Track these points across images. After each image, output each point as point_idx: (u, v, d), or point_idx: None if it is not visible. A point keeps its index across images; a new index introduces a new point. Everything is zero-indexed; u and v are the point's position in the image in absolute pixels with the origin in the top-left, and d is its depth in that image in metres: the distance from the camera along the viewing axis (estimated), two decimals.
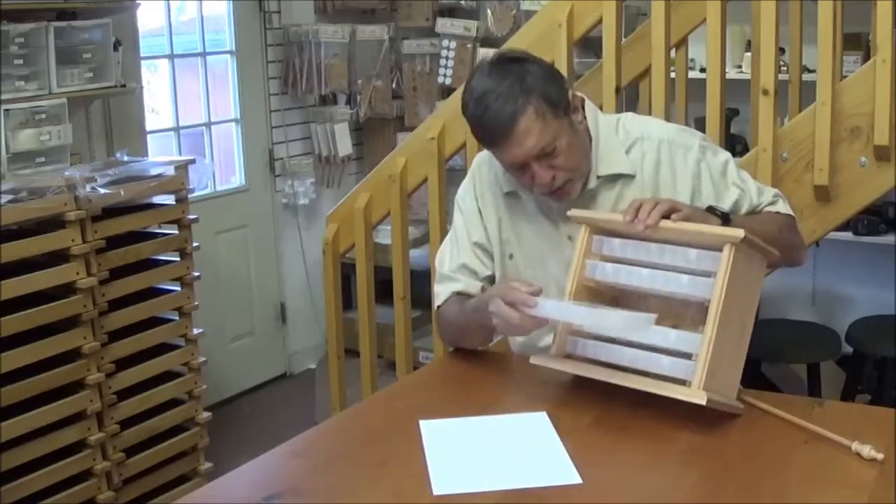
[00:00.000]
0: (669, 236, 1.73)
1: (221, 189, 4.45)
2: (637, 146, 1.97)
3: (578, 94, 1.97)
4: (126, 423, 3.17)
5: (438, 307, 2.08)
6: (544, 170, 1.85)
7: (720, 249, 1.66)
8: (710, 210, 1.85)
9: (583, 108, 1.95)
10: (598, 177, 1.95)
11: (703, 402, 1.60)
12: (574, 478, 1.54)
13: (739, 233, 1.63)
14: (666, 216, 1.72)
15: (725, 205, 1.94)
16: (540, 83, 1.82)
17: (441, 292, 2.07)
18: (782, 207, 2.02)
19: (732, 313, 1.66)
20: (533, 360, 1.82)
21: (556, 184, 1.87)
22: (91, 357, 3.01)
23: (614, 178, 1.96)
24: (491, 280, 2.06)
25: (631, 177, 1.96)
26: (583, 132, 1.93)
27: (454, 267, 2.06)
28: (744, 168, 2.12)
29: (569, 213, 1.88)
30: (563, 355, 1.81)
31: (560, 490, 1.51)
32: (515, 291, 1.74)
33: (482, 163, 2.08)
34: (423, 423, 1.72)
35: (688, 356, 1.67)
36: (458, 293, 2.04)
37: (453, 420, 1.74)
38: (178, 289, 3.36)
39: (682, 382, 1.66)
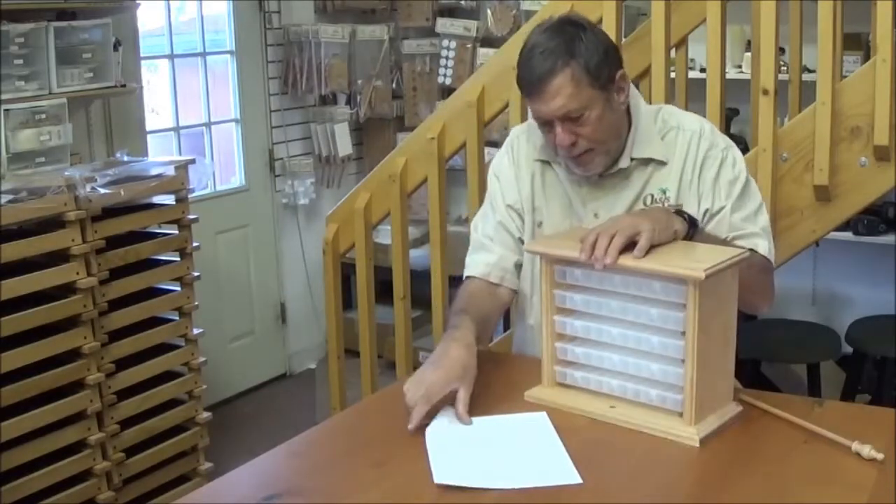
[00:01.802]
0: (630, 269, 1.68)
1: (221, 189, 4.45)
2: (671, 134, 1.98)
3: (629, 79, 1.97)
4: (126, 423, 3.17)
5: (466, 278, 2.09)
6: (566, 133, 1.86)
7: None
8: (679, 213, 1.82)
9: (627, 92, 1.94)
10: (633, 159, 1.97)
11: (696, 445, 1.62)
12: (574, 478, 1.54)
13: (699, 274, 1.57)
14: (627, 245, 1.67)
15: (711, 204, 1.93)
16: (587, 52, 1.84)
17: (469, 264, 2.08)
18: (762, 246, 1.92)
19: (710, 336, 1.65)
20: (527, 396, 1.83)
21: (575, 150, 1.89)
22: (91, 357, 3.01)
23: (647, 162, 1.98)
24: (521, 243, 2.06)
25: (663, 163, 1.97)
26: (620, 113, 1.94)
27: (489, 230, 2.08)
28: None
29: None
30: (553, 385, 1.83)
31: (560, 490, 1.51)
32: (422, 401, 1.71)
33: (520, 133, 2.11)
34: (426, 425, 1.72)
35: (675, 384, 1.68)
36: (480, 278, 2.04)
37: (455, 420, 1.74)
38: (178, 289, 3.36)
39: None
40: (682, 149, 1.96)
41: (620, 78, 1.90)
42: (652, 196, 1.96)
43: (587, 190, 1.99)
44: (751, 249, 1.85)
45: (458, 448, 1.65)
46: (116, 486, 3.14)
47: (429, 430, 1.70)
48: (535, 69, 1.84)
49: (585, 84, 1.83)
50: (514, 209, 2.06)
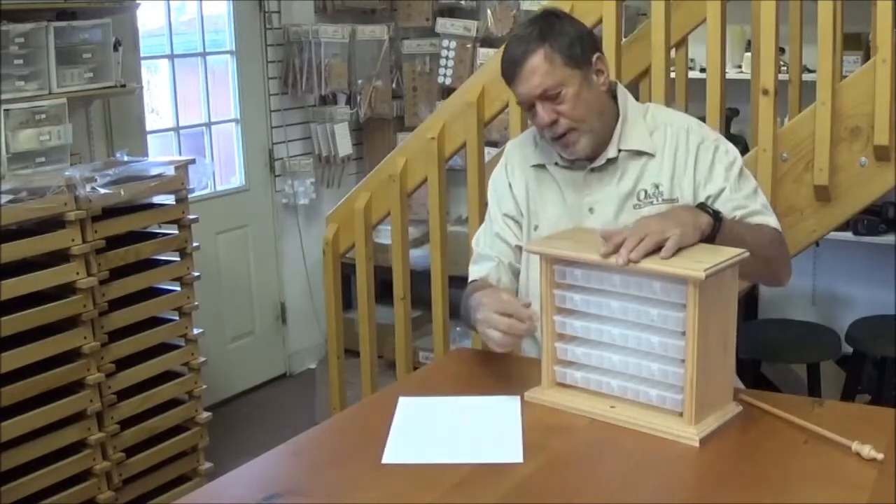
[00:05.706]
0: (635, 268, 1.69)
1: (221, 189, 4.46)
2: (660, 131, 2.05)
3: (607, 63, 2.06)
4: (126, 423, 3.17)
5: (469, 283, 2.17)
6: (546, 112, 1.96)
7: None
8: (702, 207, 1.87)
9: (607, 75, 2.03)
10: (620, 150, 2.03)
11: (696, 445, 1.62)
12: (517, 457, 1.59)
13: (699, 274, 1.57)
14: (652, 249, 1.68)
15: (712, 189, 1.99)
16: (561, 36, 1.95)
17: (472, 272, 2.17)
18: (772, 221, 2.01)
19: (710, 336, 1.65)
20: (528, 396, 1.84)
21: (557, 129, 1.97)
22: (91, 357, 3.01)
23: (639, 154, 2.04)
24: (520, 250, 2.13)
25: (652, 155, 2.03)
26: (600, 93, 2.01)
27: (488, 240, 2.17)
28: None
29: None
30: (553, 385, 1.83)
31: (561, 491, 1.52)
32: (511, 304, 1.81)
33: (513, 146, 2.20)
34: (402, 400, 1.82)
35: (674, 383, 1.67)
36: (481, 280, 2.12)
37: (431, 398, 1.83)
38: (178, 289, 3.36)
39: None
40: (671, 144, 2.03)
41: (598, 60, 2.00)
42: (645, 191, 2.02)
43: (582, 185, 2.05)
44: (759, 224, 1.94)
45: (422, 425, 1.73)
46: (116, 486, 3.14)
47: (401, 407, 1.78)
48: (512, 54, 1.97)
49: (559, 63, 1.94)
50: (510, 217, 2.15)
